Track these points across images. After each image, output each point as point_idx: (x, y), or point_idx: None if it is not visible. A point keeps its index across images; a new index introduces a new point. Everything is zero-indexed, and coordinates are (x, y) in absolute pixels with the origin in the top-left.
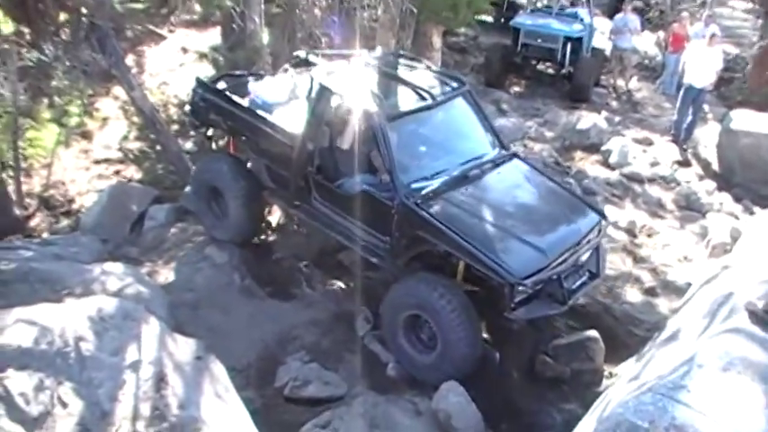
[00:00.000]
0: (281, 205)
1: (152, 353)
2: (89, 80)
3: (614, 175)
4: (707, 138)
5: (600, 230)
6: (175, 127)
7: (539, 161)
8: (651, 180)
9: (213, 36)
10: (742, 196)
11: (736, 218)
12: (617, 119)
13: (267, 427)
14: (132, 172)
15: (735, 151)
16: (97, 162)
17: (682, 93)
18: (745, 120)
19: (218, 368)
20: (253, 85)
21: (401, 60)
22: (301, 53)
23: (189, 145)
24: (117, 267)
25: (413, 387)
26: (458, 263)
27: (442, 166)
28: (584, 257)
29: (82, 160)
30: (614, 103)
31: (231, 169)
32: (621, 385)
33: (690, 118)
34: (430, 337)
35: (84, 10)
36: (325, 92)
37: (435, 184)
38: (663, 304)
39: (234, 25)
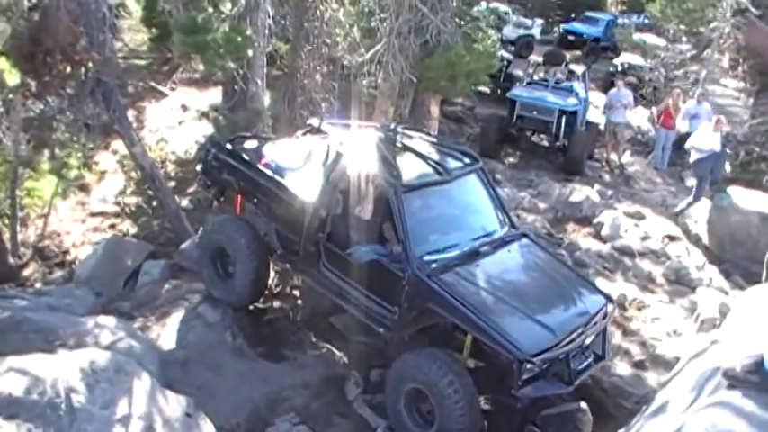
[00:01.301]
0: (289, 270)
1: (142, 407)
2: (90, 134)
3: (606, 248)
4: (698, 214)
5: (606, 314)
6: (173, 184)
7: (531, 230)
8: (642, 254)
9: (214, 95)
10: (731, 272)
11: (726, 293)
12: (609, 192)
13: None
14: (128, 226)
15: (725, 228)
16: (93, 215)
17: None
18: (735, 197)
19: (207, 426)
20: (267, 148)
21: (416, 134)
22: (315, 121)
23: (185, 202)
24: (110, 321)
25: None
26: (464, 337)
27: (453, 241)
28: (591, 339)
29: (78, 212)
30: (607, 177)
31: (245, 236)
32: None
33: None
34: (429, 411)
35: (90, 65)
36: (341, 160)
37: (447, 257)
38: (651, 377)
39: (236, 86)
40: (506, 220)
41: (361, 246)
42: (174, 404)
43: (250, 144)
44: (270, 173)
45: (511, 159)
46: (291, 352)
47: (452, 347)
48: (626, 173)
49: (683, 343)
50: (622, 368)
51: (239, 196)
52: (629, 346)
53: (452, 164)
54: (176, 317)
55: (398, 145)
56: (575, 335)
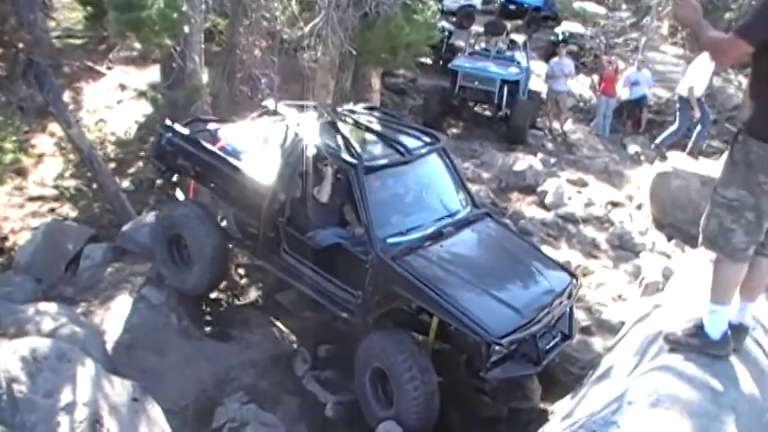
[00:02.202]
0: (248, 256)
1: (87, 394)
2: (25, 116)
3: (550, 216)
4: (640, 179)
5: (572, 292)
6: (113, 165)
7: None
8: (586, 220)
9: (152, 74)
10: (674, 236)
11: (669, 257)
12: (552, 160)
13: None
14: (68, 210)
15: (667, 192)
16: (32, 199)
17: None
18: (676, 162)
19: (154, 410)
20: (223, 131)
21: (376, 113)
22: (270, 103)
23: (126, 183)
24: (51, 307)
25: (351, 427)
26: (430, 320)
27: (416, 222)
28: (557, 318)
29: (16, 197)
30: (550, 145)
31: (204, 224)
32: (556, 423)
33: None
34: (391, 392)
35: (21, 45)
36: (300, 142)
37: (410, 239)
38: (597, 343)
39: (174, 64)
40: (469, 199)
41: (321, 229)
42: (120, 389)
43: (205, 127)
44: (226, 157)
45: (454, 130)
46: (238, 331)
47: (419, 330)
48: (568, 141)
49: (628, 308)
50: None
51: (192, 181)
52: (575, 313)
53: (413, 143)
54: (120, 300)
55: (358, 125)
56: (541, 314)
